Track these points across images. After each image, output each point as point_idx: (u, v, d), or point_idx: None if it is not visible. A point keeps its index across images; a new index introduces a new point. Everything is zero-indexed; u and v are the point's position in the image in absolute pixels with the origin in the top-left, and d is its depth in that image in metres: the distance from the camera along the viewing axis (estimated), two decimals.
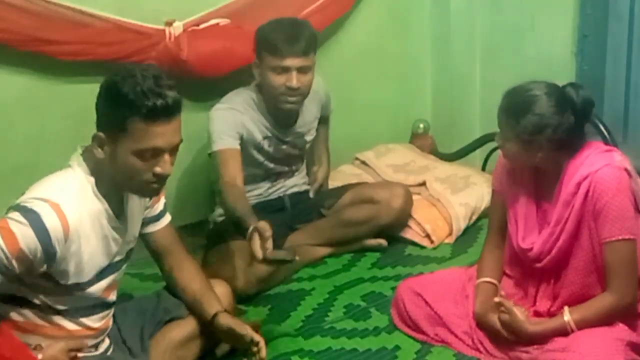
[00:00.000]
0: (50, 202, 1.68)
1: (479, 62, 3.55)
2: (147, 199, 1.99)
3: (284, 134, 2.80)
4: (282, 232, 2.74)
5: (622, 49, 3.01)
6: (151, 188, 1.81)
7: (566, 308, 2.04)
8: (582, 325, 1.99)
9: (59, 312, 1.80)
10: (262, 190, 2.84)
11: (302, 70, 2.58)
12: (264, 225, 2.28)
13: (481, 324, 2.17)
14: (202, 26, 2.85)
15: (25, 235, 1.64)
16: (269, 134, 2.76)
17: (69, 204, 1.71)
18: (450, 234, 3.03)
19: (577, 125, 2.01)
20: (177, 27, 2.80)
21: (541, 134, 1.98)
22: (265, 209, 2.71)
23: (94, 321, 1.88)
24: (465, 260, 2.73)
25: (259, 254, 2.24)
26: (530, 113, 1.97)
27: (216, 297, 2.07)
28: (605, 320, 2.00)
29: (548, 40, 3.26)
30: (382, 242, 2.91)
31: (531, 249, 2.11)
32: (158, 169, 1.75)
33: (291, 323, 2.40)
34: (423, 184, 3.19)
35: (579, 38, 3.14)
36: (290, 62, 2.55)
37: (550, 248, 2.07)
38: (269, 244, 2.25)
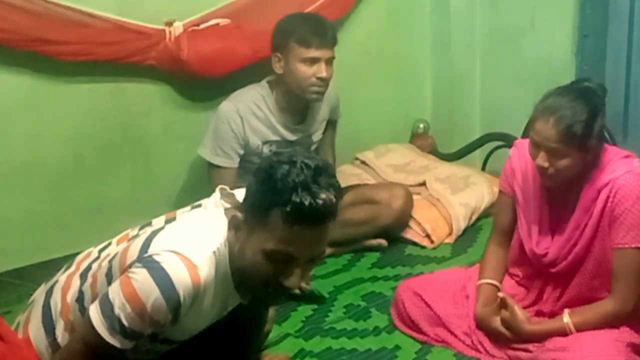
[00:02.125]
0: (186, 260, 1.49)
1: (479, 62, 3.55)
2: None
3: (292, 133, 2.78)
4: None
5: (622, 49, 3.01)
6: (268, 296, 1.58)
7: (566, 310, 2.04)
8: (582, 328, 2.00)
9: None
10: None
11: (329, 61, 2.61)
12: None
13: (482, 328, 2.16)
14: (202, 26, 2.85)
15: (152, 298, 1.47)
16: (272, 138, 2.73)
17: (207, 269, 1.52)
18: (450, 233, 3.02)
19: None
20: (177, 27, 2.80)
21: (598, 135, 1.96)
22: None
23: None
24: (465, 260, 2.73)
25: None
26: (586, 121, 1.93)
27: None
28: (605, 325, 2.00)
29: (548, 40, 3.25)
30: (382, 242, 2.91)
31: (546, 254, 2.11)
32: (285, 282, 1.51)
33: (291, 323, 2.40)
34: (423, 184, 3.19)
35: (579, 38, 3.13)
36: (321, 53, 2.57)
37: (567, 253, 2.07)
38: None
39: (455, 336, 2.21)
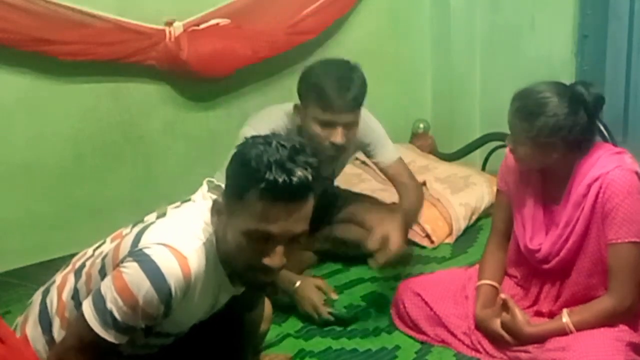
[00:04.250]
0: (175, 252, 1.50)
1: (479, 62, 3.55)
2: None
3: None
4: None
5: (622, 49, 3.01)
6: (256, 279, 1.56)
7: (565, 310, 2.04)
8: (581, 327, 1.99)
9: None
10: None
11: (348, 125, 2.30)
12: (325, 284, 2.41)
13: (482, 329, 2.16)
14: (202, 26, 2.86)
15: (143, 291, 1.47)
16: None
17: (196, 260, 1.52)
18: (450, 234, 3.02)
19: (589, 124, 2.00)
20: (177, 27, 2.80)
21: (556, 135, 1.96)
22: None
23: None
24: (465, 260, 2.73)
25: (326, 314, 2.35)
26: (544, 115, 1.94)
27: None
28: (604, 322, 2.00)
29: (548, 40, 3.26)
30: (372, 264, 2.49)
31: (539, 250, 2.11)
32: (266, 260, 1.49)
33: (291, 324, 2.40)
34: (423, 184, 3.19)
35: (579, 38, 3.14)
36: (337, 117, 2.27)
37: (559, 249, 2.07)
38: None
39: (455, 336, 2.21)
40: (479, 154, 3.53)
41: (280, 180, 1.42)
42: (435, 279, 2.38)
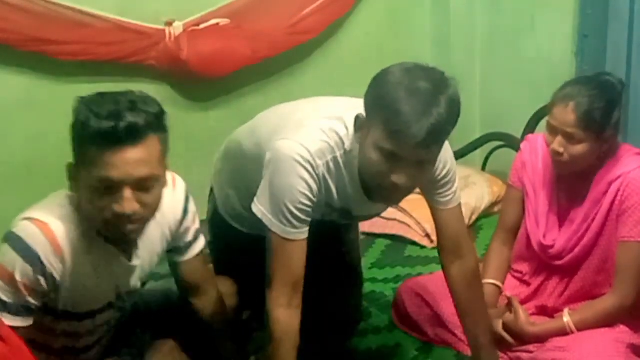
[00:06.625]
0: (36, 221, 1.55)
1: (478, 62, 3.56)
2: (169, 228, 1.74)
3: (364, 208, 1.91)
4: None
5: (622, 49, 3.01)
6: (115, 230, 1.56)
7: (566, 310, 2.05)
8: (582, 326, 2.00)
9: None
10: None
11: (421, 164, 1.65)
12: None
13: None
14: (202, 26, 2.86)
15: (17, 266, 1.52)
16: (347, 203, 1.86)
17: (59, 224, 1.56)
18: None
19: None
20: (177, 27, 2.80)
21: (617, 126, 1.99)
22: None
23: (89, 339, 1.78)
24: None
25: None
26: (600, 107, 1.95)
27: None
28: (605, 322, 2.00)
29: (548, 40, 3.26)
30: None
31: (552, 246, 2.11)
32: (115, 207, 1.49)
33: None
34: None
35: (579, 38, 3.14)
36: (407, 152, 1.60)
37: (574, 246, 2.08)
38: None
39: (456, 336, 2.21)
40: (479, 154, 3.53)
41: (106, 125, 1.45)
42: (435, 279, 2.37)
